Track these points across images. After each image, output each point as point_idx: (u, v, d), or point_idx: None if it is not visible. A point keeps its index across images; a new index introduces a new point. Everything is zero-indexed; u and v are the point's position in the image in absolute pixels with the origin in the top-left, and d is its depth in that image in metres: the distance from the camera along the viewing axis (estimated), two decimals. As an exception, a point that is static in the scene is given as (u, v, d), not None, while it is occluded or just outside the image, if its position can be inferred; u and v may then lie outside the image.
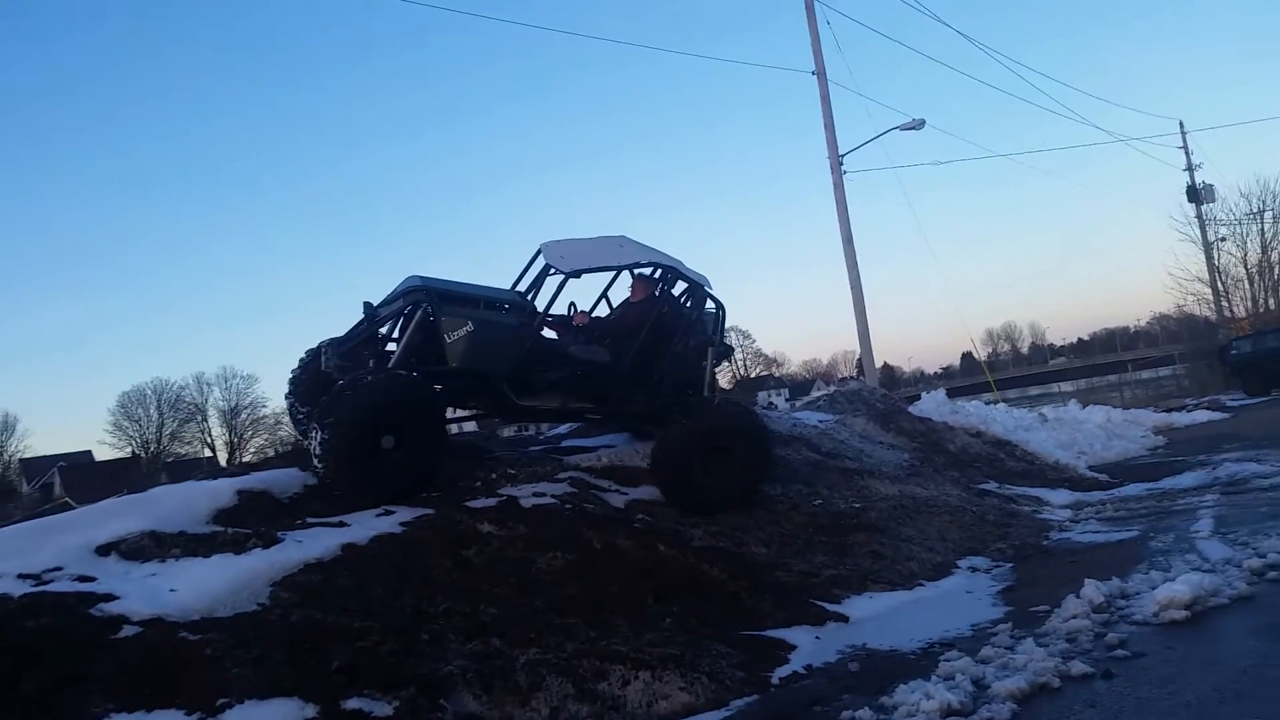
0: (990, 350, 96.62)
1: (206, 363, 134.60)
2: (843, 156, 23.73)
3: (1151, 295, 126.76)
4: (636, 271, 9.01)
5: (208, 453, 78.92)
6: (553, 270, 8.38)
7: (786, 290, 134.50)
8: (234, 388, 77.61)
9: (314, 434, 7.09)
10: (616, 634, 5.85)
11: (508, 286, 8.90)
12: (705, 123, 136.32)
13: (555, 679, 5.26)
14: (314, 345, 8.51)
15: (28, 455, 76.02)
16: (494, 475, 8.02)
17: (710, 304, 8.98)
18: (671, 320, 8.74)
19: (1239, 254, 40.30)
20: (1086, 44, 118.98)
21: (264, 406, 79.50)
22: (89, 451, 77.77)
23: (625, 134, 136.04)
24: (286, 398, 8.96)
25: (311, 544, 6.34)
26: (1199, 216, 40.16)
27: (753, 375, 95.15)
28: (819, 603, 6.95)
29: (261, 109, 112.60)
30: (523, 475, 8.09)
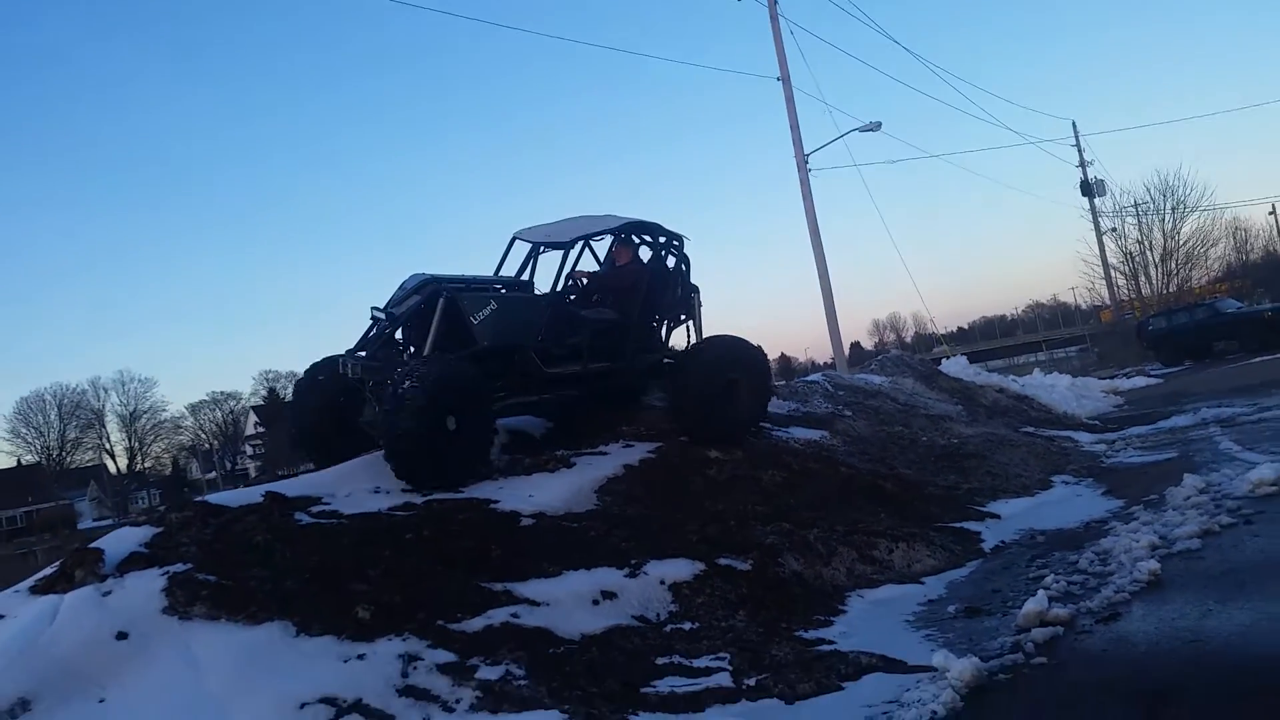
0: (877, 340, 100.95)
1: (103, 367, 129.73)
2: (808, 155, 25.80)
3: (1027, 285, 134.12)
4: (618, 236, 9.42)
5: (109, 462, 76.63)
6: (545, 248, 8.94)
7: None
8: (132, 391, 75.73)
9: (384, 424, 6.91)
10: (862, 521, 7.54)
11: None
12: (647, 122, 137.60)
13: (843, 549, 6.95)
14: (314, 363, 8.27)
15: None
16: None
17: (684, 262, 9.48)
18: (662, 272, 9.30)
19: (1146, 241, 44.21)
20: (999, 50, 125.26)
21: (164, 410, 77.85)
22: (-21, 461, 74.90)
23: (588, 137, 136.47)
24: (293, 417, 8.47)
25: (599, 465, 7.87)
26: (1091, 209, 43.86)
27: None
28: (970, 506, 8.76)
29: (167, 112, 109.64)
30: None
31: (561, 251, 9.11)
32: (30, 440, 74.02)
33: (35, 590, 5.28)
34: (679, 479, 7.91)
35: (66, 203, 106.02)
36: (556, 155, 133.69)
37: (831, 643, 5.49)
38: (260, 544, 5.74)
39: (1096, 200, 43.63)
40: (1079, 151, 43.94)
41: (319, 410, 8.05)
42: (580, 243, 9.15)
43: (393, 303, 7.96)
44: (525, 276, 8.92)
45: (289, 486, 6.82)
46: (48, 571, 5.47)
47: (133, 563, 5.42)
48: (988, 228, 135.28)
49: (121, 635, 4.78)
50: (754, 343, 9.46)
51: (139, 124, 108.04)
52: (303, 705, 4.35)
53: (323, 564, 5.58)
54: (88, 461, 78.69)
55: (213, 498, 6.50)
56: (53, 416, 74.92)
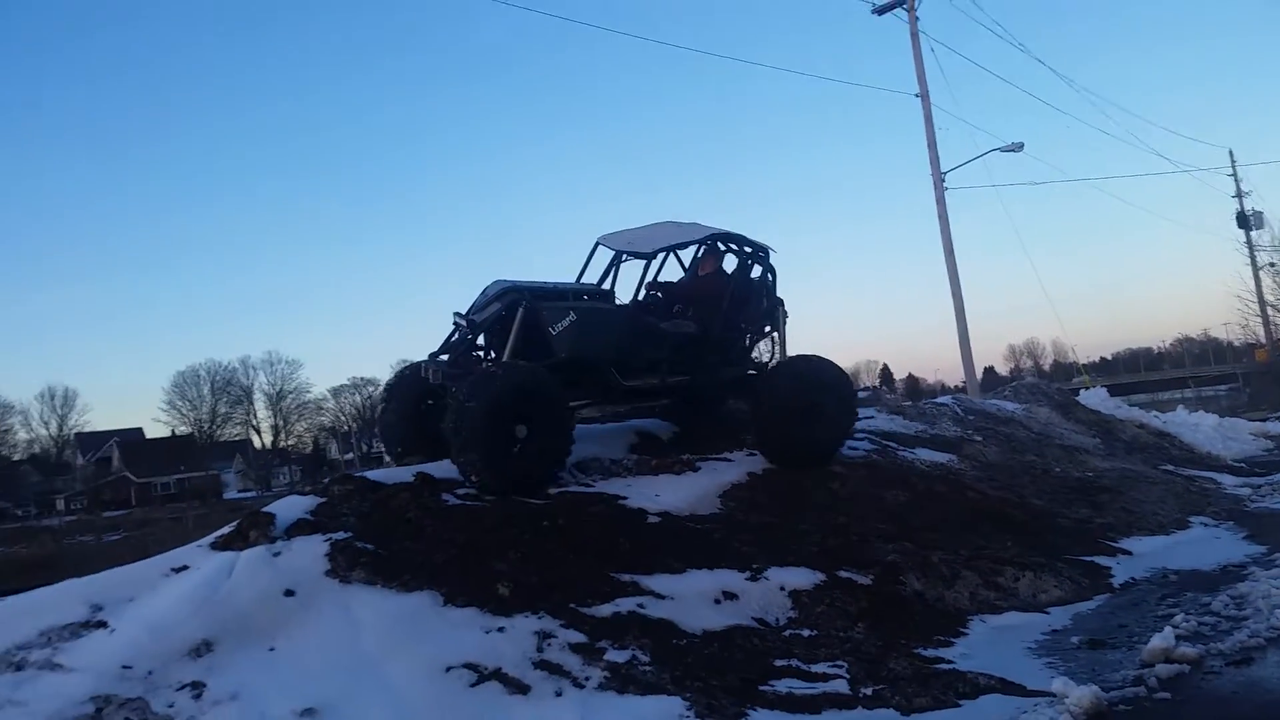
0: (1013, 366, 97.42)
1: (253, 347, 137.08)
2: (945, 173, 25.31)
3: (1176, 318, 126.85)
4: (703, 245, 9.22)
5: (255, 437, 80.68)
6: (626, 257, 8.67)
7: (811, 298, 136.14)
8: (279, 372, 79.45)
9: (452, 430, 6.89)
10: (987, 547, 7.52)
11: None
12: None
13: (967, 572, 6.97)
14: (401, 368, 8.60)
15: (83, 430, 78.51)
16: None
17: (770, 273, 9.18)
18: (744, 285, 9.03)
19: (1311, 279, 41.41)
20: (1152, 74, 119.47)
21: (308, 392, 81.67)
22: (140, 429, 79.72)
23: (712, 146, 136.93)
24: (380, 419, 8.86)
25: (724, 471, 8.11)
26: (1248, 242, 41.24)
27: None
28: (1102, 541, 8.59)
29: (315, 103, 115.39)
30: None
31: (643, 261, 8.78)
32: (185, 412, 78.81)
33: (215, 546, 5.85)
34: (802, 490, 8.06)
35: (225, 188, 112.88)
36: (677, 163, 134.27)
37: (950, 662, 5.56)
38: (413, 519, 6.22)
39: (1254, 233, 41.11)
40: (1236, 181, 41.51)
41: (403, 415, 8.15)
42: (663, 254, 8.90)
43: (474, 309, 7.93)
44: (606, 285, 8.74)
45: (436, 469, 7.28)
46: (225, 530, 6.05)
47: (299, 528, 5.97)
48: (1135, 257, 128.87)
49: (289, 592, 5.29)
50: (839, 365, 9.16)
51: (293, 111, 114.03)
52: (448, 669, 4.74)
53: (468, 542, 6.01)
54: (235, 435, 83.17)
55: (370, 474, 7.03)
56: (205, 391, 79.51)
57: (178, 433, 77.59)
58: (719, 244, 9.18)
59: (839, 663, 5.42)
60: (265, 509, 6.23)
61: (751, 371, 9.12)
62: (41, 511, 63.93)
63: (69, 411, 78.42)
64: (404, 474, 6.97)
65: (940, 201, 24.97)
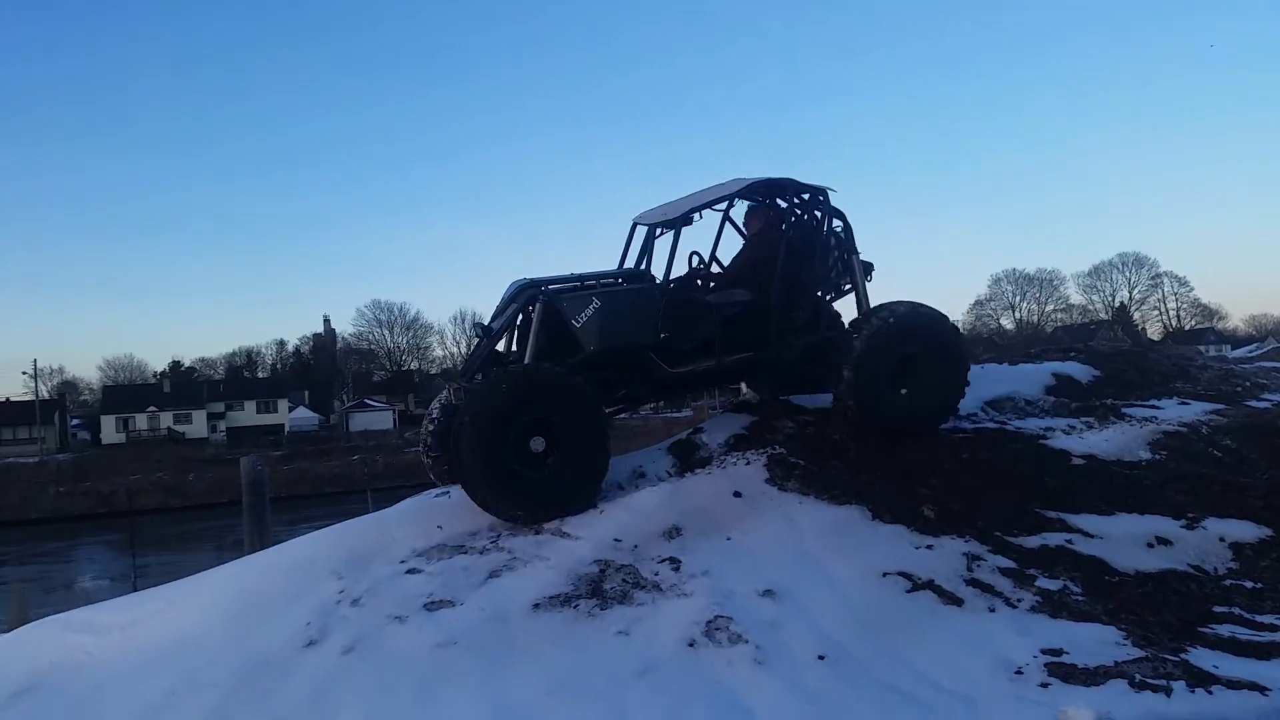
0: None
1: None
2: None
3: None
4: (747, 204, 7.94)
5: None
6: (660, 231, 7.61)
7: (1235, 237, 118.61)
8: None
9: (455, 455, 6.13)
10: None
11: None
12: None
13: None
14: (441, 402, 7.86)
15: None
16: (1247, 383, 9.03)
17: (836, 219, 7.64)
18: (804, 236, 7.62)
19: None
20: None
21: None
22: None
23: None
24: (424, 455, 8.01)
25: (1152, 419, 7.80)
26: None
27: (1188, 327, 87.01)
28: None
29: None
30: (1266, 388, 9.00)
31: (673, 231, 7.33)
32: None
33: (669, 450, 6.81)
34: (1244, 443, 7.54)
35: (605, 139, 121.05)
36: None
37: None
38: (838, 441, 6.76)
39: None
40: None
41: (439, 443, 7.47)
42: (694, 216, 7.48)
43: (494, 315, 7.23)
44: (644, 265, 7.62)
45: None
46: (679, 436, 7.03)
47: (738, 443, 6.74)
48: None
49: (737, 494, 6.08)
50: (937, 310, 7.47)
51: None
52: (884, 574, 5.24)
53: (891, 466, 6.45)
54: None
55: (795, 399, 7.68)
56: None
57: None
58: (760, 196, 7.83)
59: (1288, 617, 5.20)
60: (702, 425, 7.13)
61: (838, 339, 7.46)
62: (451, 420, 74.65)
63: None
64: (824, 399, 7.52)
65: None
